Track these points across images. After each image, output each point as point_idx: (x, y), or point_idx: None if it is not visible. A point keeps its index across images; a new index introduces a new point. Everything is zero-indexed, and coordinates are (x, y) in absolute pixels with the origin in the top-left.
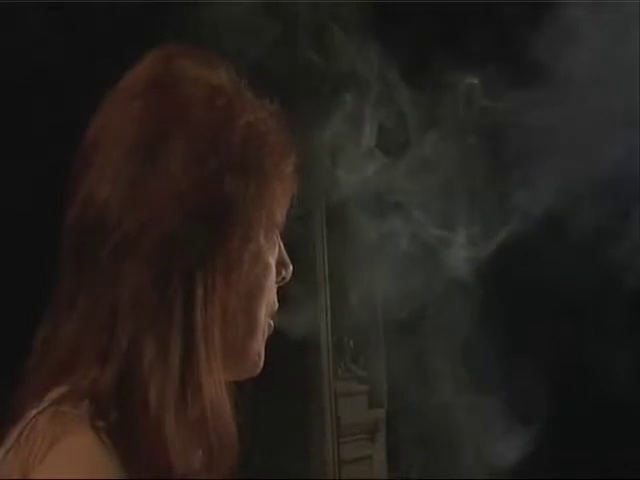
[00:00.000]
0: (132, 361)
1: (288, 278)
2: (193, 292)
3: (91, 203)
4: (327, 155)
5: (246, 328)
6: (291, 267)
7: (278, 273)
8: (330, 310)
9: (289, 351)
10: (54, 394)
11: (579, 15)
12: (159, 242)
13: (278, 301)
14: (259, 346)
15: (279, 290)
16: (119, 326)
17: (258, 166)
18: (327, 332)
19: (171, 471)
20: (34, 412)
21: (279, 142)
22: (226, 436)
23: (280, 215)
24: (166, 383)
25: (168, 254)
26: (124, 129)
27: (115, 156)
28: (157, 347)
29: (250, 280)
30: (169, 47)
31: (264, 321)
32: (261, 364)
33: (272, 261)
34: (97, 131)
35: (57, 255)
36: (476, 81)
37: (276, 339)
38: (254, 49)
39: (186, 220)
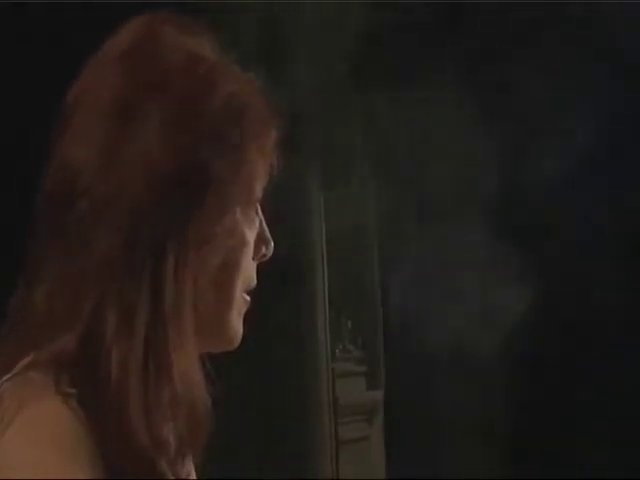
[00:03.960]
0: (95, 329)
1: (269, 255)
2: (163, 262)
3: (66, 168)
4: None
5: (220, 302)
6: (272, 244)
7: (258, 250)
8: (328, 291)
9: (287, 332)
10: (24, 362)
11: None
12: (129, 210)
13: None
14: (235, 321)
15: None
16: (84, 293)
17: (237, 138)
18: (325, 313)
19: (135, 442)
20: (3, 380)
21: (261, 115)
22: (198, 409)
23: (259, 190)
24: (129, 353)
25: (138, 222)
26: (101, 93)
27: (91, 120)
28: (121, 316)
29: (223, 254)
30: (153, 14)
31: (239, 296)
32: (239, 339)
33: (250, 236)
34: (76, 95)
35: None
36: None
37: (274, 319)
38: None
39: (158, 189)
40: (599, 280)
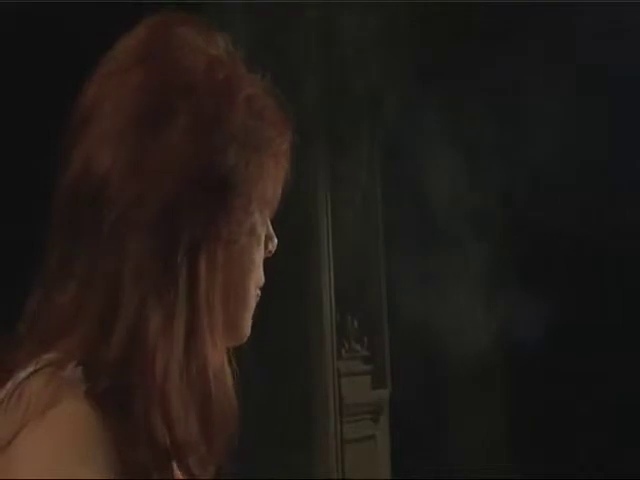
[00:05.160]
0: (138, 331)
1: (273, 251)
2: (197, 262)
3: (90, 171)
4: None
5: (240, 300)
6: (276, 240)
7: (265, 247)
8: (334, 290)
9: (292, 331)
10: (46, 358)
11: None
12: (163, 212)
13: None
14: (248, 317)
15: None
16: (124, 295)
17: (256, 141)
18: (331, 311)
19: (173, 439)
20: (24, 374)
21: (275, 118)
22: (227, 406)
23: (272, 191)
24: (171, 353)
25: (172, 224)
26: (125, 97)
27: (116, 124)
28: (163, 317)
29: (247, 253)
30: (164, 14)
31: (253, 294)
32: (247, 334)
33: (262, 235)
34: (93, 98)
35: (45, 224)
36: None
37: (279, 319)
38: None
39: (190, 190)
40: (597, 289)
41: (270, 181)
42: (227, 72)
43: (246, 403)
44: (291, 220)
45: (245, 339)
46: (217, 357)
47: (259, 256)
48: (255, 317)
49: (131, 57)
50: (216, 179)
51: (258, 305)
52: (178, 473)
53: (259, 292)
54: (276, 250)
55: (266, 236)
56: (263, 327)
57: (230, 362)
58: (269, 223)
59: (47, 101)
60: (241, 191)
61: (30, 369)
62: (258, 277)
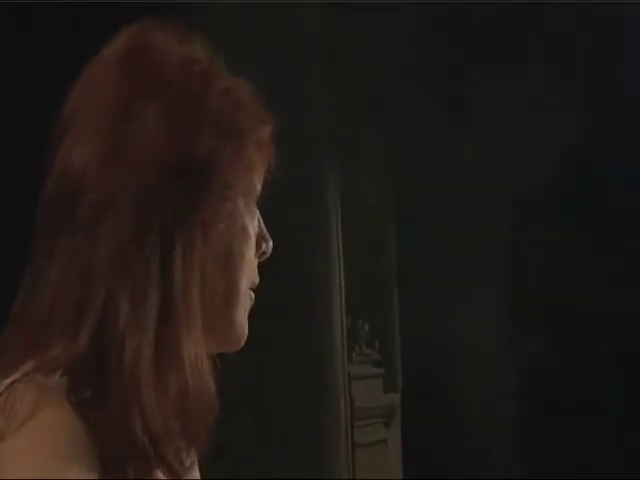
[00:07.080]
0: (107, 320)
1: (268, 253)
2: (172, 249)
3: (68, 168)
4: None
5: (226, 296)
6: (271, 242)
7: (258, 247)
8: (345, 293)
9: (303, 335)
10: (29, 365)
11: None
12: (136, 199)
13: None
14: (241, 318)
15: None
16: (95, 286)
17: (234, 129)
18: (342, 315)
19: (146, 432)
20: (8, 381)
21: (255, 111)
22: (205, 398)
23: (257, 181)
24: (142, 342)
25: (146, 211)
26: (100, 94)
27: (91, 119)
28: (133, 304)
29: (227, 242)
30: (145, 22)
31: (245, 291)
32: (244, 338)
33: (251, 230)
34: (74, 102)
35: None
36: None
37: (290, 323)
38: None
39: (163, 177)
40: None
41: (252, 169)
42: (203, 67)
43: (257, 407)
44: (301, 223)
45: (242, 341)
46: (194, 346)
47: (249, 251)
48: (267, 321)
49: (108, 60)
50: (188, 165)
51: (270, 309)
52: (161, 475)
53: (252, 294)
54: (287, 254)
55: (258, 235)
56: (274, 331)
57: (209, 357)
58: (262, 222)
59: (46, 104)
60: (217, 176)
61: (14, 376)
62: (250, 274)
